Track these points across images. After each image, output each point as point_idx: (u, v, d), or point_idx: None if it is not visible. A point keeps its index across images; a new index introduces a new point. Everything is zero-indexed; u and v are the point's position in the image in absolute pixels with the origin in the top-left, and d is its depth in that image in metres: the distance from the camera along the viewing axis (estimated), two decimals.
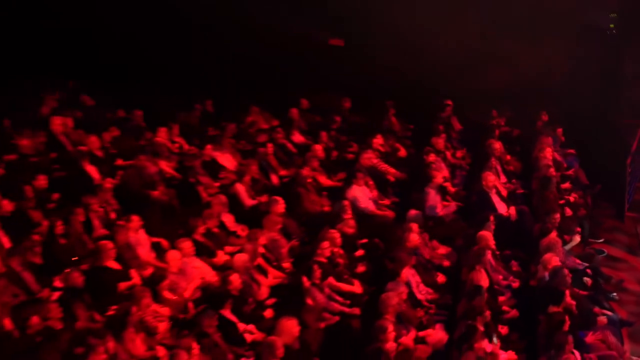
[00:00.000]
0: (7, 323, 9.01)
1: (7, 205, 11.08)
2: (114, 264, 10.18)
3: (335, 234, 10.80)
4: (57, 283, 9.83)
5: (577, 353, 8.72)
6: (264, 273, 10.46)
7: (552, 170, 13.14)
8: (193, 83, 16.39)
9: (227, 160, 13.78)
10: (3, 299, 9.33)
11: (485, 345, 8.61)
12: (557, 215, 11.45)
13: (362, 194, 12.35)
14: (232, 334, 9.04)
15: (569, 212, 12.42)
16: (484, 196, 12.27)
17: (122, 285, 9.99)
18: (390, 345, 8.32)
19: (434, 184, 12.49)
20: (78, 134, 13.70)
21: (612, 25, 17.15)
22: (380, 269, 10.90)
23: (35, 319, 8.65)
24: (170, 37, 16.71)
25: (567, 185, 13.65)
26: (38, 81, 15.97)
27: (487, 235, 10.67)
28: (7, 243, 10.46)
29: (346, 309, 9.90)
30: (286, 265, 10.96)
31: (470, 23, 16.17)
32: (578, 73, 16.04)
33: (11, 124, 13.69)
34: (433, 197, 12.33)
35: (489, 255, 10.52)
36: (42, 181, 11.89)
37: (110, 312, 9.46)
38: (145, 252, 10.81)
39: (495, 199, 12.30)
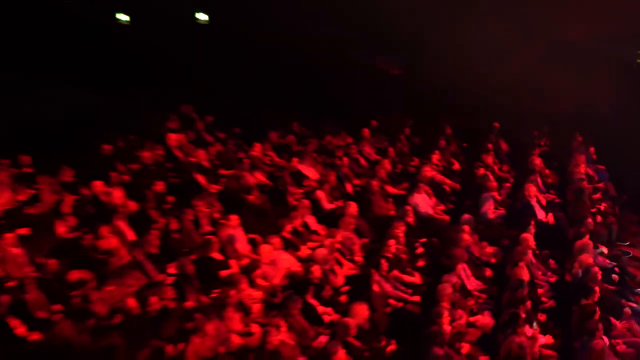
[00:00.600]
0: (132, 302, 9.43)
1: (133, 206, 11.51)
2: (217, 255, 10.48)
3: (400, 233, 10.94)
4: (172, 270, 10.15)
5: (605, 339, 8.70)
6: (340, 265, 10.65)
7: (585, 183, 13.10)
8: (282, 106, 16.51)
9: (309, 171, 13.98)
10: (128, 283, 9.76)
11: (526, 330, 8.66)
12: (589, 221, 11.41)
13: (423, 201, 12.41)
14: (313, 315, 9.28)
15: (599, 218, 12.35)
16: (526, 204, 12.23)
17: (223, 273, 10.24)
18: (445, 328, 8.40)
19: (488, 192, 12.54)
20: (189, 148, 14.08)
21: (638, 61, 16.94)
22: (437, 264, 10.99)
23: (154, 299, 9.00)
24: (263, 71, 16.87)
25: (598, 195, 13.54)
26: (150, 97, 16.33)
27: (529, 237, 10.66)
28: (132, 236, 10.86)
29: (408, 297, 10.02)
30: (358, 259, 11.10)
31: (522, 57, 16.10)
32: (609, 101, 15.84)
33: (136, 139, 14.16)
34: (487, 204, 12.36)
35: (530, 254, 10.51)
36: (160, 186, 12.24)
37: (214, 295, 9.75)
38: (242, 245, 11.02)
39: (536, 206, 12.25)
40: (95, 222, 11.02)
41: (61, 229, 11.01)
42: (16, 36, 16.48)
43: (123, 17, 19.30)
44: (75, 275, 9.76)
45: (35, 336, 8.73)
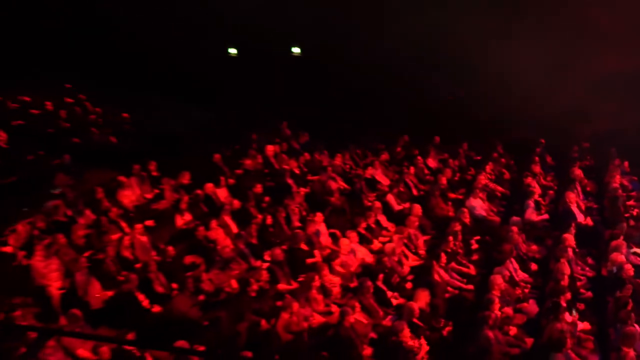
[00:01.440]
0: (234, 283, 9.45)
1: (236, 204, 11.57)
2: (304, 246, 10.44)
3: (457, 231, 10.68)
4: (267, 257, 10.13)
5: (637, 326, 8.28)
6: (406, 257, 10.46)
7: (619, 191, 12.52)
8: (359, 124, 16.34)
9: (382, 178, 13.85)
10: (231, 267, 9.79)
11: (566, 317, 8.32)
12: (624, 225, 10.89)
13: (478, 204, 12.10)
14: (383, 299, 9.11)
15: (632, 222, 11.73)
16: (567, 209, 11.77)
17: (309, 261, 10.19)
18: (496, 313, 8.16)
19: (534, 198, 12.17)
20: (283, 158, 14.11)
21: None
22: (489, 258, 10.68)
23: (252, 281, 9.00)
24: (346, 94, 16.76)
25: (631, 202, 12.91)
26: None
27: (569, 237, 10.25)
28: (235, 229, 10.92)
29: (463, 285, 9.75)
30: (421, 252, 10.89)
31: (566, 84, 15.51)
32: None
33: (240, 149, 14.27)
34: (531, 208, 11.98)
35: (570, 251, 10.09)
36: (258, 188, 12.30)
37: (300, 279, 9.72)
38: (325, 238, 10.98)
39: (576, 211, 11.76)
40: (206, 217, 11.16)
41: (179, 221, 11.16)
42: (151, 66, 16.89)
43: (233, 50, 19.64)
44: (189, 259, 9.89)
45: (157, 308, 8.85)
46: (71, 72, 17.18)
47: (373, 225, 11.34)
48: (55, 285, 9.04)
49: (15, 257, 9.49)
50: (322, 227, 11.11)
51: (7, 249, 9.52)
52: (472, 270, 10.26)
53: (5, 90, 16.04)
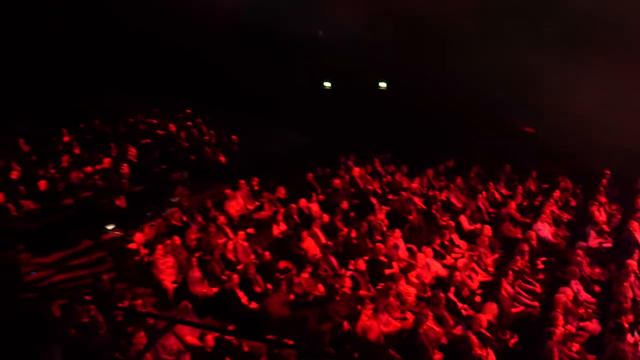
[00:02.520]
0: (321, 287, 9.47)
1: (326, 218, 11.61)
2: (383, 258, 10.34)
3: (525, 252, 10.28)
4: (350, 266, 10.10)
5: None
6: (476, 273, 10.15)
7: None
8: (436, 152, 16.07)
9: (456, 200, 13.56)
10: (319, 273, 9.80)
11: (628, 337, 7.81)
12: None
13: (544, 228, 11.61)
14: (454, 309, 8.86)
15: None
16: (631, 237, 11.09)
17: (387, 271, 10.10)
18: (559, 330, 7.77)
19: (598, 225, 11.56)
20: (367, 179, 14.08)
21: None
22: (554, 278, 10.18)
23: (337, 287, 8.99)
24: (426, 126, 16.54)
25: None
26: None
27: (633, 263, 9.63)
28: (323, 240, 10.94)
29: (529, 302, 9.32)
30: (491, 269, 10.55)
31: (632, 116, 14.65)
32: None
33: (330, 170, 14.36)
34: (595, 235, 11.37)
35: (632, 276, 9.49)
36: (345, 205, 12.32)
37: (379, 287, 9.62)
38: (402, 252, 10.85)
39: (639, 239, 11.09)
40: (299, 228, 11.26)
41: (276, 230, 11.31)
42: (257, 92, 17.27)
43: (327, 84, 19.88)
44: (283, 264, 10.00)
45: (254, 305, 8.98)
46: (191, 98, 17.83)
47: (447, 243, 11.08)
48: (170, 280, 9.35)
49: (139, 253, 9.89)
50: (400, 242, 10.98)
51: (133, 246, 9.92)
52: (537, 288, 9.79)
53: (137, 113, 16.87)
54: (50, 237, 10.65)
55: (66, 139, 14.46)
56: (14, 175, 11.68)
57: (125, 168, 12.92)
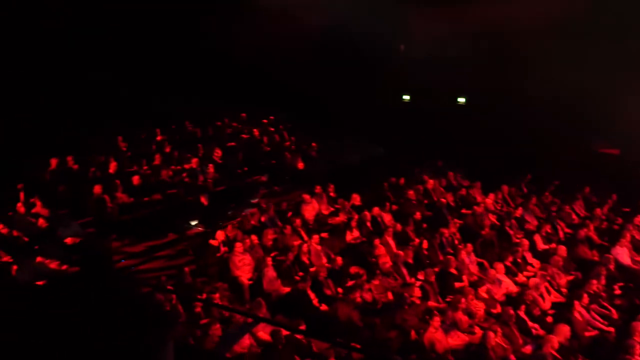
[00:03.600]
0: (389, 295, 9.35)
1: (398, 227, 11.47)
2: (454, 271, 10.10)
3: (601, 275, 9.76)
4: (420, 276, 9.97)
5: None
6: (549, 292, 9.72)
7: None
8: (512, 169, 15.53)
9: (530, 218, 13.07)
10: (389, 281, 9.69)
11: None
12: None
13: (623, 253, 10.97)
14: (523, 328, 8.51)
15: None
16: None
17: (457, 284, 9.86)
18: (636, 359, 7.30)
19: None
20: (441, 191, 13.82)
21: None
22: (632, 304, 9.59)
23: (405, 295, 8.86)
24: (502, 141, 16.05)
25: None
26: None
27: None
28: (395, 249, 10.78)
29: (604, 327, 8.82)
30: (564, 290, 10.07)
31: None
32: None
33: (404, 182, 14.20)
34: None
35: None
36: (418, 216, 12.15)
37: (448, 299, 9.40)
38: (473, 266, 10.57)
39: None
40: (371, 235, 11.19)
41: (348, 236, 11.29)
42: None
43: (406, 96, 19.77)
44: (354, 269, 9.95)
45: (324, 307, 8.99)
46: (276, 107, 18.17)
47: (519, 260, 10.70)
48: (246, 277, 9.52)
49: (219, 249, 10.13)
50: (472, 256, 10.71)
51: (214, 242, 10.17)
52: (614, 314, 9.26)
53: (223, 116, 17.34)
54: (140, 228, 11.10)
55: (159, 138, 15.08)
56: (111, 169, 12.26)
57: (210, 168, 13.30)
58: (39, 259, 8.76)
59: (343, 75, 17.95)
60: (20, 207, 10.18)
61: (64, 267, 8.84)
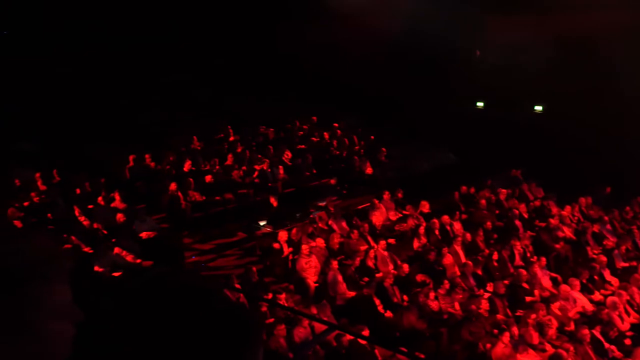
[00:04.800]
0: (457, 306, 9.17)
1: (468, 236, 11.25)
2: (525, 285, 9.78)
3: None
4: (489, 288, 9.71)
5: None
6: (627, 313, 9.23)
7: None
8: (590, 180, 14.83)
9: (609, 233, 12.45)
10: (456, 292, 9.50)
11: None
12: None
13: None
14: (599, 349, 8.12)
15: None
16: None
17: (528, 299, 9.54)
18: None
19: None
20: (514, 202, 13.41)
21: None
22: None
23: (473, 307, 8.66)
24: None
25: None
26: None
27: None
28: (463, 258, 10.58)
29: None
30: None
31: None
32: None
33: (476, 190, 13.87)
34: None
35: None
36: (489, 225, 11.86)
37: (518, 313, 9.11)
38: (546, 281, 10.21)
39: None
40: (439, 244, 11.01)
41: (416, 243, 11.16)
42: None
43: (480, 103, 19.32)
44: (420, 277, 9.81)
45: (388, 314, 8.92)
46: (348, 111, 18.20)
47: (596, 277, 10.22)
48: (312, 279, 9.58)
49: (283, 250, 10.24)
50: (545, 271, 10.33)
51: (278, 244, 10.30)
52: None
53: (294, 119, 17.56)
54: (210, 226, 11.41)
55: (231, 138, 15.45)
56: (186, 168, 12.67)
57: (280, 170, 13.49)
58: (116, 250, 9.16)
59: (417, 81, 17.77)
60: (101, 201, 10.70)
61: (139, 260, 9.20)
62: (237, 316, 1.10)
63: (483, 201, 12.85)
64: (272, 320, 7.98)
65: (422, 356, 7.82)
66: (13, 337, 1.02)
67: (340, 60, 17.90)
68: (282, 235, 10.41)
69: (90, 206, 10.54)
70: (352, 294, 9.31)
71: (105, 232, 9.88)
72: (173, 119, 15.44)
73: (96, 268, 8.54)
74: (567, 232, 12.26)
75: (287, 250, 10.22)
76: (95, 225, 9.83)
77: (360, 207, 12.71)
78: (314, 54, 17.41)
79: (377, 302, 8.94)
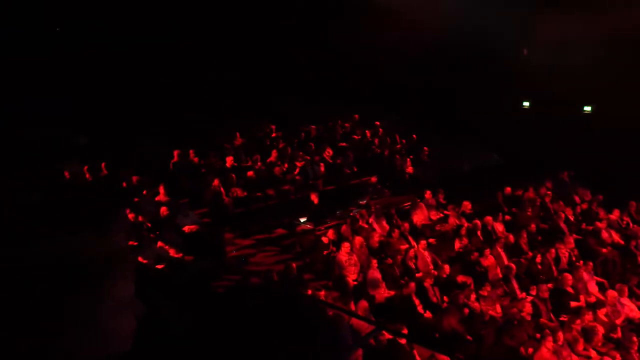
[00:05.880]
0: (498, 308, 9.03)
1: (511, 238, 11.05)
2: (569, 289, 9.56)
3: None
4: (532, 291, 9.52)
5: None
6: None
7: None
8: None
9: None
10: (498, 293, 9.36)
11: None
12: None
13: None
14: None
15: None
16: None
17: (573, 304, 9.32)
18: None
19: None
20: (560, 204, 13.10)
21: None
22: None
23: (514, 310, 8.52)
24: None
25: None
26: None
27: None
28: (506, 260, 10.38)
29: None
30: None
31: None
32: None
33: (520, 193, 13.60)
34: None
35: None
36: (533, 228, 11.64)
37: (562, 318, 8.92)
38: (592, 285, 9.95)
39: None
40: (482, 245, 10.86)
41: (457, 244, 11.03)
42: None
43: (526, 103, 18.95)
44: (461, 278, 9.69)
45: (428, 314, 8.85)
46: (391, 110, 18.11)
47: None
48: (351, 277, 9.58)
49: (327, 247, 10.27)
50: (591, 275, 10.06)
51: (324, 240, 10.33)
52: None
53: (336, 117, 17.58)
54: (251, 222, 11.54)
55: (273, 135, 15.57)
56: (228, 164, 12.83)
57: (321, 167, 13.53)
58: (159, 244, 9.37)
59: (462, 80, 17.57)
60: (146, 195, 10.95)
61: (181, 254, 9.38)
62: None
63: (527, 203, 12.58)
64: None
65: (462, 357, 7.72)
66: (80, 329, 1.07)
67: (389, 58, 17.83)
68: (330, 233, 10.44)
69: (135, 199, 10.80)
70: (392, 292, 9.27)
71: (149, 225, 10.10)
72: (217, 117, 15.66)
73: (140, 260, 8.75)
74: (615, 236, 11.91)
75: (330, 247, 10.24)
76: (140, 219, 10.06)
77: (401, 206, 12.61)
78: (363, 51, 17.41)
79: (417, 302, 8.88)
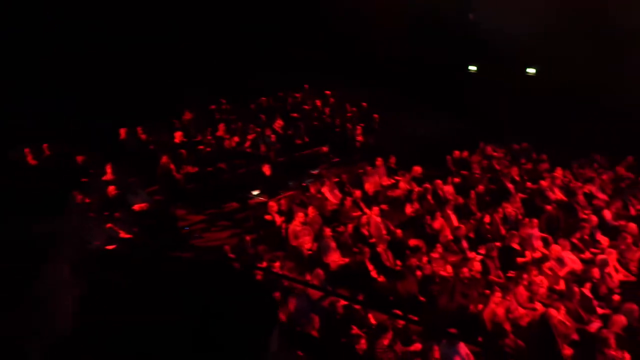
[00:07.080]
0: (449, 269, 9.26)
1: (460, 200, 11.30)
2: (516, 246, 9.87)
3: None
4: (481, 251, 9.79)
5: None
6: (616, 270, 9.36)
7: None
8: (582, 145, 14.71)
9: (600, 194, 12.51)
10: (448, 255, 9.59)
11: None
12: None
13: None
14: (588, 306, 8.25)
15: None
16: None
17: (519, 260, 9.65)
18: None
19: None
20: (505, 164, 13.41)
21: None
22: None
23: (464, 270, 8.76)
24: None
25: None
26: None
27: None
28: (456, 222, 10.60)
29: None
30: (633, 269, 9.64)
31: None
32: None
33: (467, 155, 13.82)
34: None
35: None
36: (480, 189, 11.91)
37: (509, 275, 9.23)
38: (537, 242, 10.30)
39: None
40: (432, 208, 11.06)
41: (408, 209, 11.21)
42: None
43: (472, 67, 19.20)
44: (413, 242, 9.89)
45: (382, 279, 9.01)
46: (341, 77, 18.04)
47: (586, 237, 10.31)
48: (306, 247, 9.65)
49: (275, 219, 10.27)
50: (535, 232, 10.40)
51: (269, 213, 10.33)
52: None
53: (287, 89, 17.43)
54: (203, 197, 11.42)
55: (223, 107, 15.35)
56: (177, 139, 12.61)
57: (272, 139, 13.45)
58: (109, 224, 9.18)
59: (418, 47, 17.68)
60: (94, 175, 10.67)
61: (132, 234, 9.23)
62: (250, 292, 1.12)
63: (475, 165, 12.86)
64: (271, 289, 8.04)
65: (416, 319, 7.93)
66: (18, 309, 1.04)
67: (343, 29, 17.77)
68: (274, 204, 10.42)
69: (83, 179, 10.52)
70: (346, 260, 9.39)
71: (98, 205, 9.87)
72: (166, 92, 15.26)
73: (91, 242, 8.56)
74: (558, 193, 12.33)
75: (279, 219, 10.25)
76: (87, 200, 9.82)
77: (353, 174, 12.70)
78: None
79: (371, 267, 9.03)
